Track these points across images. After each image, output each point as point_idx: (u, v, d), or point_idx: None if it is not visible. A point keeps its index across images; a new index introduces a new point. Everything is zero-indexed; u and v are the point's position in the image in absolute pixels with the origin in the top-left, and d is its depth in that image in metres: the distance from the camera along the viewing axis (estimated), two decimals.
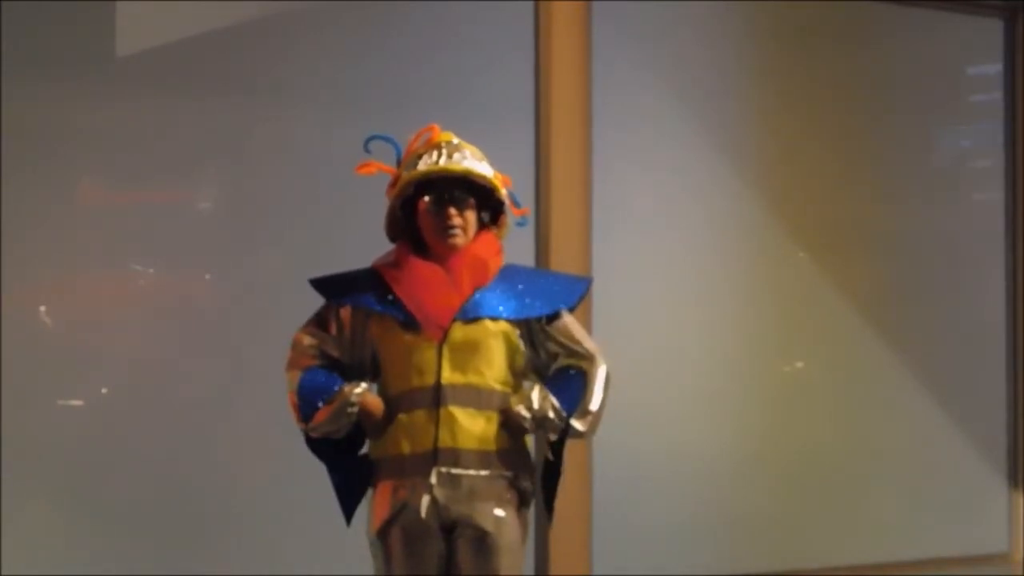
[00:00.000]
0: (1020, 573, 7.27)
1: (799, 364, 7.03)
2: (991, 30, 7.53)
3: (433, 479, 3.59)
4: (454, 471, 3.59)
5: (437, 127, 3.76)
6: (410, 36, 5.98)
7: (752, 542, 6.74)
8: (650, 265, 6.53)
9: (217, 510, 5.55)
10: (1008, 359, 7.46)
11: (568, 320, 3.74)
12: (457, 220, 3.65)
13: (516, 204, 3.81)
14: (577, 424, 3.68)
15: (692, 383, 6.62)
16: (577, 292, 3.81)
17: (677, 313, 6.60)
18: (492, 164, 3.76)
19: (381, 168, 3.76)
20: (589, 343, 3.74)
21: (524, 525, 3.72)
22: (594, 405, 3.69)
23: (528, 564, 5.99)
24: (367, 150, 3.76)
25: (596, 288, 6.10)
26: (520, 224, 3.83)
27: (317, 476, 3.80)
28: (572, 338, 3.73)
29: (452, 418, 3.59)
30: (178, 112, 5.56)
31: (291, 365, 3.70)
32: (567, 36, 6.18)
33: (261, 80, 5.77)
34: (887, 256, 7.24)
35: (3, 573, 5.12)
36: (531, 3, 6.19)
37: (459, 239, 3.65)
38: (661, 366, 6.51)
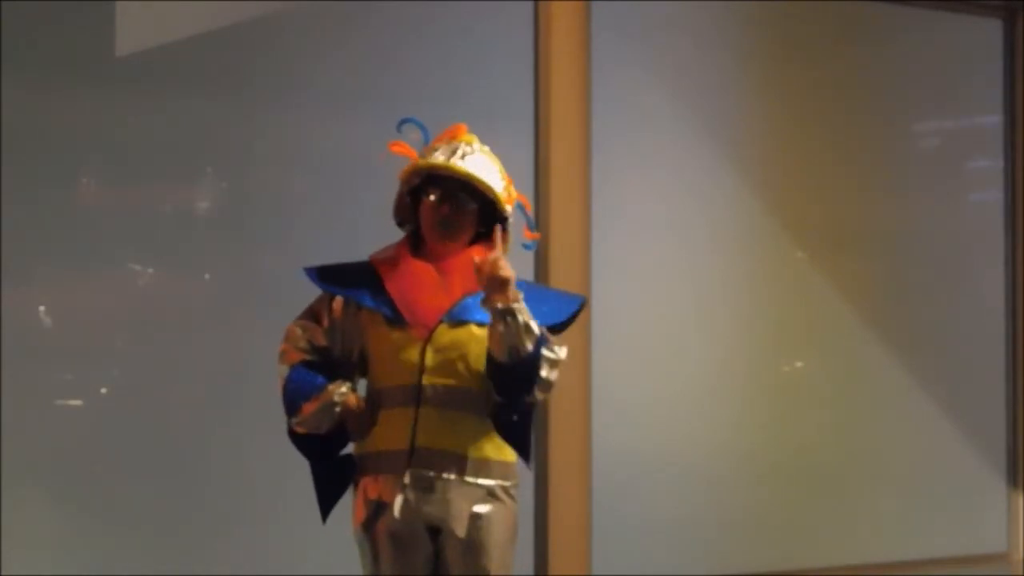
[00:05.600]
0: (1019, 573, 7.28)
1: (798, 364, 7.03)
2: (991, 30, 7.53)
3: (407, 479, 3.57)
4: (429, 473, 3.57)
5: (465, 126, 3.75)
6: (410, 36, 5.98)
7: (752, 542, 6.74)
8: (649, 265, 6.53)
9: (217, 510, 5.55)
10: (1008, 359, 7.47)
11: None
12: (451, 219, 3.62)
13: (530, 226, 3.79)
14: (548, 352, 3.52)
15: (691, 383, 6.63)
16: (567, 311, 3.76)
17: (676, 313, 6.60)
18: (510, 183, 3.73)
19: (406, 151, 3.73)
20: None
21: (509, 521, 3.66)
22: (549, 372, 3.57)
23: (528, 564, 5.99)
24: (399, 131, 3.74)
25: (596, 288, 6.15)
26: (527, 247, 3.81)
27: None
28: None
29: (430, 419, 3.57)
30: (178, 112, 5.57)
31: (282, 357, 3.69)
32: (567, 36, 6.18)
33: (261, 80, 5.77)
34: (886, 256, 7.25)
35: (3, 573, 5.12)
36: (531, 3, 6.19)
37: (446, 236, 3.63)
38: (660, 366, 6.52)
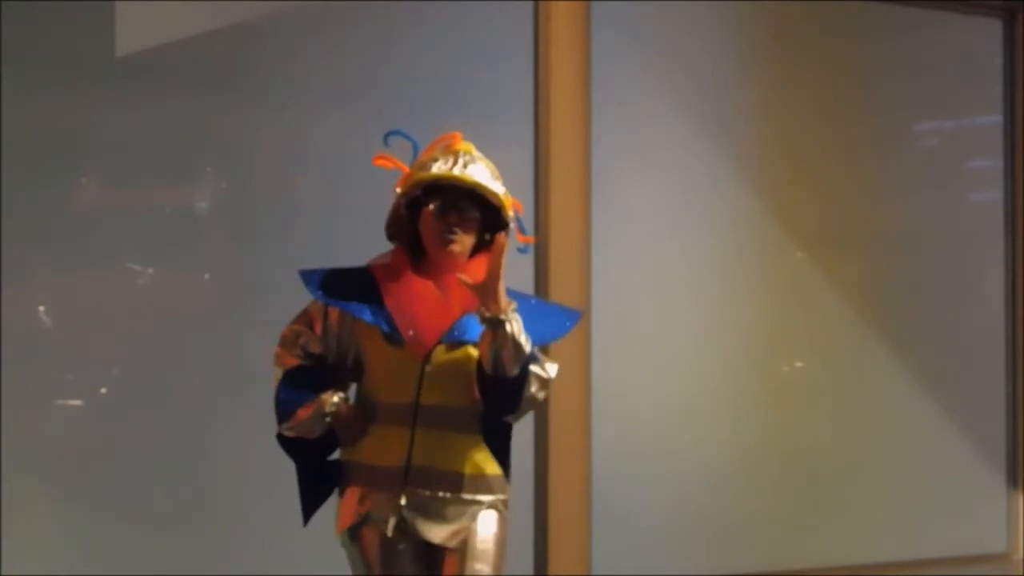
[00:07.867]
0: (1019, 573, 7.28)
1: (798, 364, 7.03)
2: (991, 30, 7.53)
3: (403, 500, 3.56)
4: (425, 492, 3.56)
5: (459, 135, 3.72)
6: (410, 36, 5.99)
7: (752, 542, 6.74)
8: (649, 265, 6.53)
9: (216, 509, 5.55)
10: (1008, 359, 7.47)
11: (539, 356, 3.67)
12: (457, 228, 3.59)
13: (523, 231, 3.77)
14: (537, 369, 3.52)
15: (692, 383, 6.63)
16: (564, 327, 3.74)
17: (676, 313, 6.60)
18: (504, 185, 3.72)
19: (395, 164, 3.71)
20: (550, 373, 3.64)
21: (501, 527, 3.64)
22: (541, 382, 3.56)
23: (528, 564, 6.00)
24: (386, 144, 3.72)
25: (596, 288, 6.15)
26: (521, 251, 3.79)
27: None
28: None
29: (427, 438, 3.55)
30: (177, 112, 5.57)
31: (276, 360, 3.67)
32: (567, 36, 6.18)
33: (260, 80, 5.78)
34: (886, 256, 7.25)
35: (3, 573, 5.12)
36: (531, 3, 6.20)
37: (457, 246, 3.58)
38: (660, 366, 6.52)
